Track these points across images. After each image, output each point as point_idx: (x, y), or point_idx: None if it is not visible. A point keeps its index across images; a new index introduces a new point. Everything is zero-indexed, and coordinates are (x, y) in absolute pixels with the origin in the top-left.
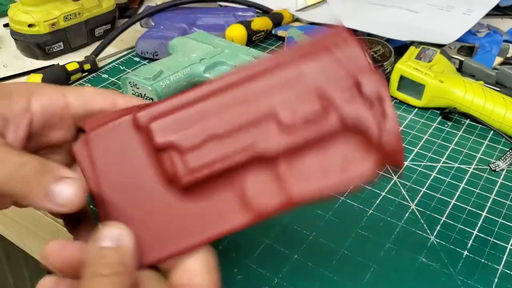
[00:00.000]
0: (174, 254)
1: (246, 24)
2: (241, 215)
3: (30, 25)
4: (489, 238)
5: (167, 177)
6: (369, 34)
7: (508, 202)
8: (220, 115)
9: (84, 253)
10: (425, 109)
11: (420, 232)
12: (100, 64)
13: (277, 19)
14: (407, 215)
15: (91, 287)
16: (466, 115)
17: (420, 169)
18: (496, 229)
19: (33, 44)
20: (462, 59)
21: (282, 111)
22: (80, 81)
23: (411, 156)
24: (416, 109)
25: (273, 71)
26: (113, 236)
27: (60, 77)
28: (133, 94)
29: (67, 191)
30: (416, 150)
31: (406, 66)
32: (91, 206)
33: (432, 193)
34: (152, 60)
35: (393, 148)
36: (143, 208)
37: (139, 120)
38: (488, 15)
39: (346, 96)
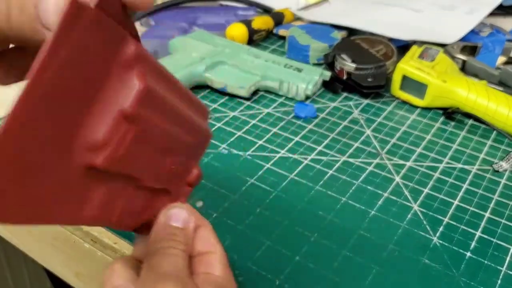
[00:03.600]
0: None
1: (247, 23)
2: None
3: None
4: (492, 239)
5: (94, 143)
6: (371, 34)
7: (511, 203)
8: (173, 131)
9: (156, 228)
10: (427, 109)
11: (423, 233)
12: None
13: (278, 18)
14: (409, 216)
15: (167, 258)
16: (469, 115)
17: (422, 169)
18: (499, 230)
19: None
20: (465, 58)
21: (177, 158)
22: None
23: (414, 157)
24: (419, 109)
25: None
26: (183, 218)
27: None
28: None
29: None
30: (418, 150)
31: (408, 65)
32: None
33: (435, 194)
34: None
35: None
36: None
37: (134, 62)
38: (491, 14)
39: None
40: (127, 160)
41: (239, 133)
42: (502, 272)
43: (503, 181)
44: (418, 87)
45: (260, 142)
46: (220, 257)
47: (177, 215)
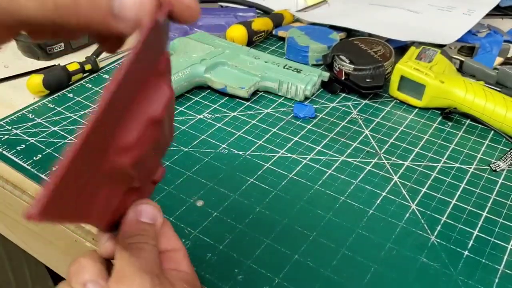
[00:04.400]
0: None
1: (247, 24)
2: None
3: None
4: (489, 238)
5: (125, 144)
6: (369, 34)
7: (508, 202)
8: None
9: (126, 224)
10: (425, 109)
11: (421, 232)
12: (101, 65)
13: (278, 19)
14: (407, 215)
15: (142, 254)
16: (466, 115)
17: (420, 169)
18: (496, 229)
19: (34, 45)
20: (463, 59)
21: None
22: (81, 82)
23: (412, 156)
24: (417, 109)
25: None
26: (153, 215)
27: (61, 78)
28: None
29: None
30: (416, 150)
31: (406, 66)
32: None
33: (433, 193)
34: None
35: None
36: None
37: (165, 69)
38: (489, 15)
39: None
40: (142, 161)
41: (239, 133)
42: (500, 271)
43: (500, 180)
44: (416, 88)
45: (260, 142)
46: (185, 254)
47: (147, 211)
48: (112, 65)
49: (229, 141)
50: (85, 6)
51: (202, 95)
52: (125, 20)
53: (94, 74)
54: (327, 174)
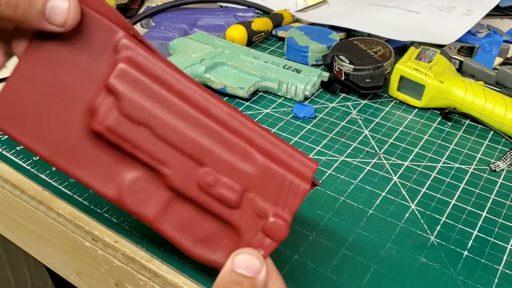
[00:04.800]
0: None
1: (247, 24)
2: (108, 187)
3: None
4: (489, 238)
5: (90, 108)
6: (369, 35)
7: (508, 203)
8: (178, 124)
9: (222, 272)
10: (425, 109)
11: (420, 232)
12: None
13: (278, 19)
14: (407, 215)
15: None
16: (466, 116)
17: (420, 169)
18: (496, 229)
19: None
20: (462, 59)
21: (215, 173)
22: None
23: (411, 157)
24: (416, 109)
25: (251, 144)
26: (252, 266)
27: None
28: None
29: (62, 5)
30: (416, 150)
31: (406, 66)
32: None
33: (432, 193)
34: None
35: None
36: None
37: (120, 48)
38: (488, 15)
39: (254, 211)
40: (122, 133)
41: None
42: (499, 271)
43: (500, 180)
44: (416, 88)
45: None
46: None
47: (246, 262)
48: None
49: None
50: (24, 7)
51: None
52: (54, 23)
53: None
54: (326, 174)
